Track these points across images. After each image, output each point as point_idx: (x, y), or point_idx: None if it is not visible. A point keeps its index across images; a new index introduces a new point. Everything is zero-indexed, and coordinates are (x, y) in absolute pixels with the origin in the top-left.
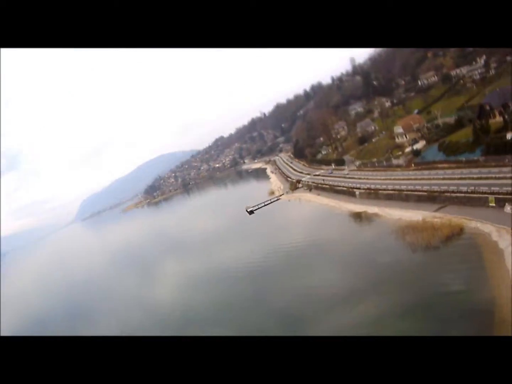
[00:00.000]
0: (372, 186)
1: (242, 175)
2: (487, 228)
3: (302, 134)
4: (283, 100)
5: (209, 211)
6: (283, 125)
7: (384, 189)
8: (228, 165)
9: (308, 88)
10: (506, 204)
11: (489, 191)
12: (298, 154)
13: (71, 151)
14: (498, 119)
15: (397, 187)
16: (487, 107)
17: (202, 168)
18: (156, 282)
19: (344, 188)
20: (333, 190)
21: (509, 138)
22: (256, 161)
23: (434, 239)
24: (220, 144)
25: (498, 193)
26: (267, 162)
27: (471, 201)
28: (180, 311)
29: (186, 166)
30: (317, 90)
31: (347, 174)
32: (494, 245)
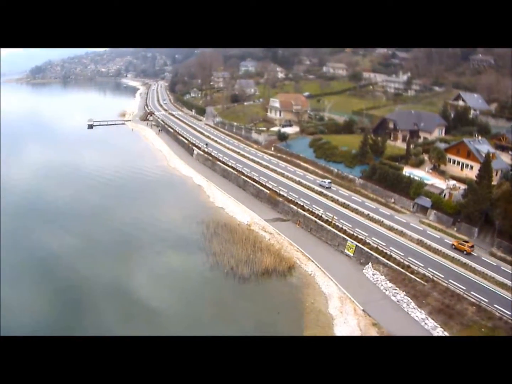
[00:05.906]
0: (214, 153)
1: (120, 87)
2: (328, 287)
3: (186, 70)
4: None
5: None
6: (177, 55)
7: (223, 162)
8: (112, 74)
9: None
10: (370, 264)
11: (352, 234)
12: (171, 87)
13: None
14: (399, 144)
15: (238, 166)
16: (391, 125)
17: (89, 67)
18: None
19: (185, 141)
20: (175, 137)
21: (406, 173)
22: (136, 79)
23: (245, 265)
24: (115, 52)
25: (364, 243)
26: (144, 84)
27: (322, 231)
28: None
29: (76, 60)
30: None
31: (201, 126)
32: (328, 322)
